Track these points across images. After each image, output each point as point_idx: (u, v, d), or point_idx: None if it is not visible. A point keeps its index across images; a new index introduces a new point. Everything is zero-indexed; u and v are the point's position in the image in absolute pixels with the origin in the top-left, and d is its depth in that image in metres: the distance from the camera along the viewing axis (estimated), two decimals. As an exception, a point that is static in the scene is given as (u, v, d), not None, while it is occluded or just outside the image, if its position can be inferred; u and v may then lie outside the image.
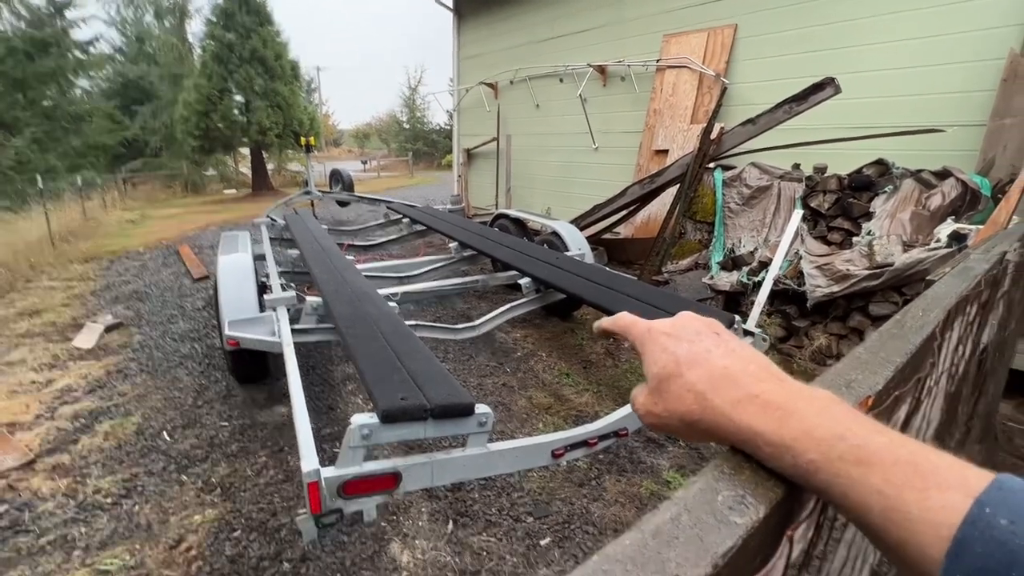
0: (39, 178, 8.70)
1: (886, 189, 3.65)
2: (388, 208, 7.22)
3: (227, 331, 2.84)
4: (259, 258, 4.25)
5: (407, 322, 3.20)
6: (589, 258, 4.39)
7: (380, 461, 1.81)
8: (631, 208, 5.66)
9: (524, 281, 3.68)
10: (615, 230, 6.18)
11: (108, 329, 4.55)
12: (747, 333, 2.73)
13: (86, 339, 4.33)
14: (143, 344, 4.25)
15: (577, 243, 4.49)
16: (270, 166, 26.09)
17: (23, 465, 2.73)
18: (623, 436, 2.06)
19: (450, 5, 9.26)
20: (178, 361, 3.91)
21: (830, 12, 4.78)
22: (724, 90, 5.52)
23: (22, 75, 14.40)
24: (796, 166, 4.29)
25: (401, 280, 4.48)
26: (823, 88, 3.97)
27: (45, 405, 3.32)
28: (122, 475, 2.62)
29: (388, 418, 1.72)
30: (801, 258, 3.76)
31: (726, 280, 4.14)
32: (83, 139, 15.83)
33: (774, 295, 3.86)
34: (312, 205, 10.27)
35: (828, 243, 3.88)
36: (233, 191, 21.43)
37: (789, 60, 5.07)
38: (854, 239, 3.58)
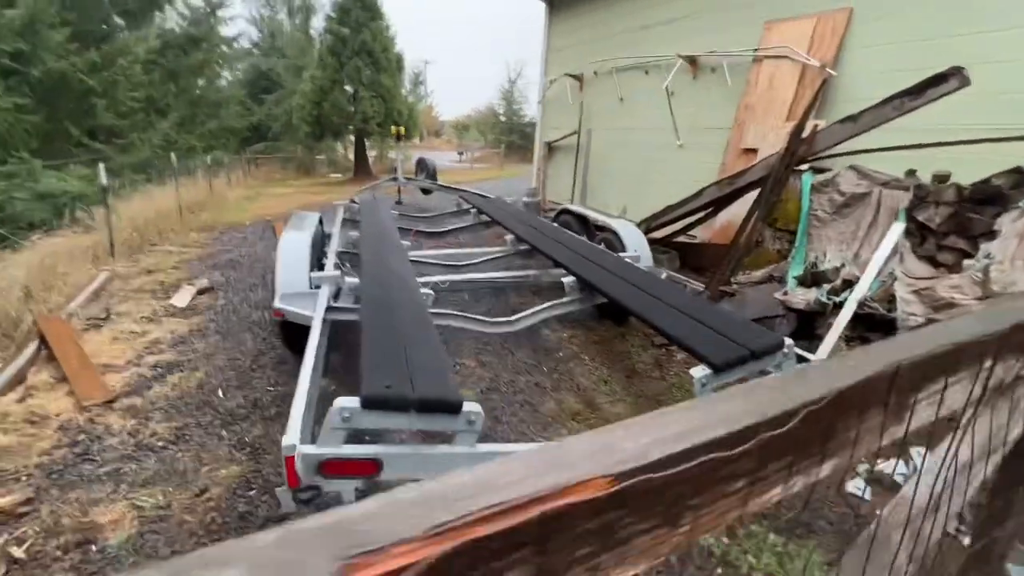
0: (173, 156, 9.96)
1: (1020, 204, 3.00)
2: (460, 198, 7.36)
3: (275, 303, 3.05)
4: (329, 237, 4.53)
5: (440, 311, 3.23)
6: (647, 261, 4.12)
7: (362, 446, 1.82)
8: (707, 211, 5.24)
9: (568, 280, 3.54)
10: (690, 233, 5.76)
11: (200, 292, 5.10)
12: (801, 359, 2.39)
13: (182, 299, 4.89)
14: (223, 308, 4.71)
15: (635, 244, 4.24)
16: (372, 153, 27.89)
17: (105, 403, 3.13)
18: None
19: (543, -4, 9.16)
20: (247, 326, 4.28)
21: (971, -9, 4.02)
22: (824, 83, 4.88)
23: (176, 67, 16.57)
24: (911, 172, 3.67)
25: (452, 269, 4.53)
26: (946, 80, 3.35)
27: (136, 353, 3.79)
28: (176, 423, 2.91)
29: (369, 404, 1.71)
30: (896, 279, 3.23)
31: (802, 298, 3.67)
32: (219, 123, 17.89)
33: (857, 319, 3.35)
34: (399, 192, 10.79)
35: (936, 264, 3.28)
36: (339, 175, 23.19)
37: (913, 48, 4.35)
38: (965, 262, 2.99)
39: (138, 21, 13.65)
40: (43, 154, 9.39)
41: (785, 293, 3.82)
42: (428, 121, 53.27)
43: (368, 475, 1.78)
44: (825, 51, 5.02)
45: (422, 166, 10.86)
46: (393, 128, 10.50)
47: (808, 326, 3.70)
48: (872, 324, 3.35)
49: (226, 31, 32.80)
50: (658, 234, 5.92)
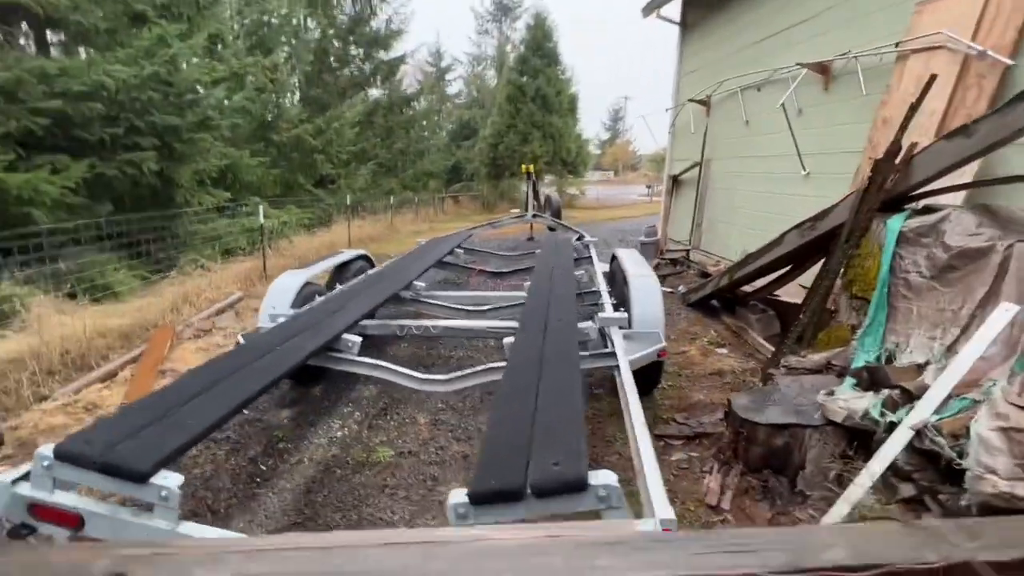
0: (348, 198, 12.04)
1: None
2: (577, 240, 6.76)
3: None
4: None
5: (367, 360, 3.09)
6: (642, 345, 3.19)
7: (71, 497, 1.80)
8: (788, 265, 3.94)
9: (507, 341, 3.03)
10: (777, 292, 4.42)
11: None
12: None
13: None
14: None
15: (646, 314, 3.33)
16: (552, 189, 29.14)
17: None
18: None
19: (676, 19, 8.36)
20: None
21: None
22: (1002, 77, 3.24)
23: (391, 124, 20.16)
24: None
25: (461, 313, 4.31)
26: None
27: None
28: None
29: (62, 456, 1.70)
30: (986, 402, 1.88)
31: (844, 406, 2.40)
32: (417, 168, 21.05)
33: (916, 453, 2.03)
34: (531, 228, 10.98)
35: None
36: (517, 210, 24.94)
37: None
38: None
39: (353, 93, 17.07)
40: (279, 199, 12.39)
41: (831, 393, 2.56)
42: (623, 155, 53.37)
43: (72, 527, 1.78)
44: (1000, 34, 3.35)
45: (548, 203, 10.87)
46: (523, 167, 10.79)
47: (851, 444, 2.41)
48: (930, 461, 1.99)
49: (449, 89, 38.68)
50: (751, 286, 4.70)
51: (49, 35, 8.41)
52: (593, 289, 4.20)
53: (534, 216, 10.48)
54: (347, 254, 4.94)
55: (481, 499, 1.52)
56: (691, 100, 7.64)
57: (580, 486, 1.49)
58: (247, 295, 6.79)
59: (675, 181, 8.52)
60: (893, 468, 2.13)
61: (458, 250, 6.14)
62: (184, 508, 2.62)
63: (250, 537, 1.67)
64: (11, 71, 5.85)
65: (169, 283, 6.49)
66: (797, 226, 3.75)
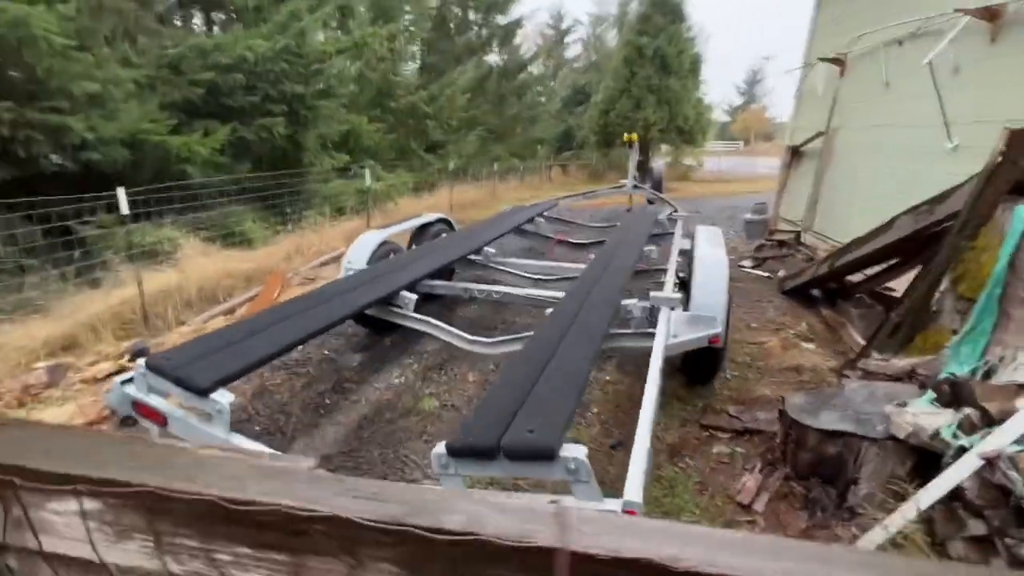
0: (451, 164, 12.50)
1: None
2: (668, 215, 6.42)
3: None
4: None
5: (420, 317, 3.32)
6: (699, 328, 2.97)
7: (161, 400, 2.22)
8: (902, 249, 3.38)
9: (548, 311, 3.02)
10: (888, 284, 3.83)
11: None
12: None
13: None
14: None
15: (705, 298, 3.10)
16: (666, 160, 27.43)
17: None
18: None
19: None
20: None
21: None
22: None
23: (503, 90, 20.30)
24: None
25: (526, 280, 4.39)
26: None
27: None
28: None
29: (151, 368, 2.11)
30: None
31: (911, 421, 2.06)
32: (527, 135, 21.07)
33: (991, 487, 1.71)
34: (630, 200, 10.58)
35: None
36: (625, 181, 23.92)
37: None
38: None
39: (468, 59, 17.33)
40: (393, 163, 13.29)
41: (903, 405, 2.22)
42: (757, 123, 48.17)
43: (159, 424, 2.21)
44: None
45: (649, 175, 10.30)
46: (625, 136, 10.26)
47: (931, 469, 2.09)
48: (1018, 511, 1.65)
49: (567, 52, 37.74)
50: (860, 275, 4.15)
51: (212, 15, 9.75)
52: (663, 267, 4.00)
53: (635, 187, 10.03)
54: (427, 217, 5.22)
55: (458, 452, 1.61)
56: (822, 59, 6.65)
57: (549, 455, 1.52)
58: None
59: (795, 153, 7.58)
60: (963, 501, 1.82)
61: (539, 219, 6.15)
62: (261, 426, 3.10)
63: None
64: (178, 48, 6.92)
65: (287, 235, 7.39)
66: (912, 209, 3.18)
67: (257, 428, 3.06)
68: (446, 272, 4.80)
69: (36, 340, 3.64)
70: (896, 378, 2.54)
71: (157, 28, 7.57)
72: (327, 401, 3.36)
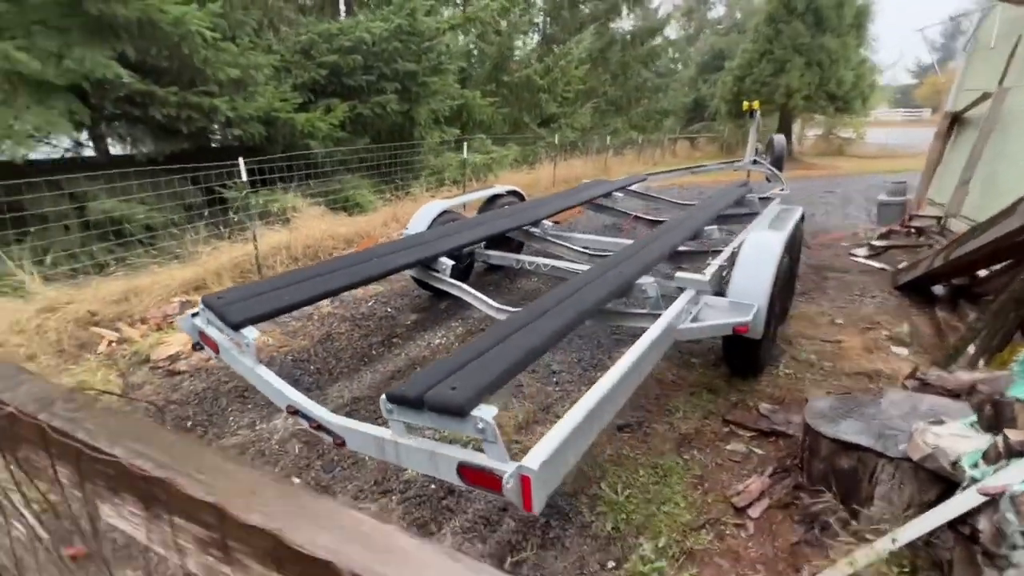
0: (556, 138, 12.39)
1: None
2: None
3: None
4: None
5: (455, 282, 3.52)
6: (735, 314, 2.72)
7: (217, 334, 2.71)
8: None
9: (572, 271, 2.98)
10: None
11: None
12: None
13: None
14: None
15: (743, 284, 2.84)
16: (817, 131, 23.98)
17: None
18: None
19: None
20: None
21: None
22: None
23: (626, 59, 19.36)
24: None
25: (579, 254, 4.35)
26: None
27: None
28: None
29: (207, 305, 2.60)
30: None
31: (932, 442, 1.72)
32: (648, 106, 19.94)
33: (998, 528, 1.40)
34: (747, 175, 9.62)
35: None
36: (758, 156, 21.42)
37: None
38: None
39: (591, 27, 16.70)
40: (505, 137, 13.63)
41: (937, 423, 1.85)
42: (949, 87, 39.28)
43: (215, 352, 2.71)
44: None
45: (770, 148, 9.13)
46: (745, 104, 9.16)
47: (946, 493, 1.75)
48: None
49: (711, 14, 34.67)
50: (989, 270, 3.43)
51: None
52: (719, 248, 3.67)
53: (754, 163, 9.03)
54: (497, 189, 5.36)
55: (395, 400, 1.77)
56: None
57: (460, 412, 1.60)
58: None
59: (955, 121, 6.19)
60: (981, 545, 1.51)
61: (617, 194, 5.93)
62: (315, 366, 3.57)
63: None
64: (307, 35, 7.84)
65: (392, 204, 8.08)
66: (1038, 190, 2.50)
67: (312, 368, 3.54)
68: (508, 243, 4.94)
69: (175, 281, 4.59)
70: (955, 393, 2.10)
71: (296, 17, 8.63)
72: (374, 352, 3.75)
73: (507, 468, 1.51)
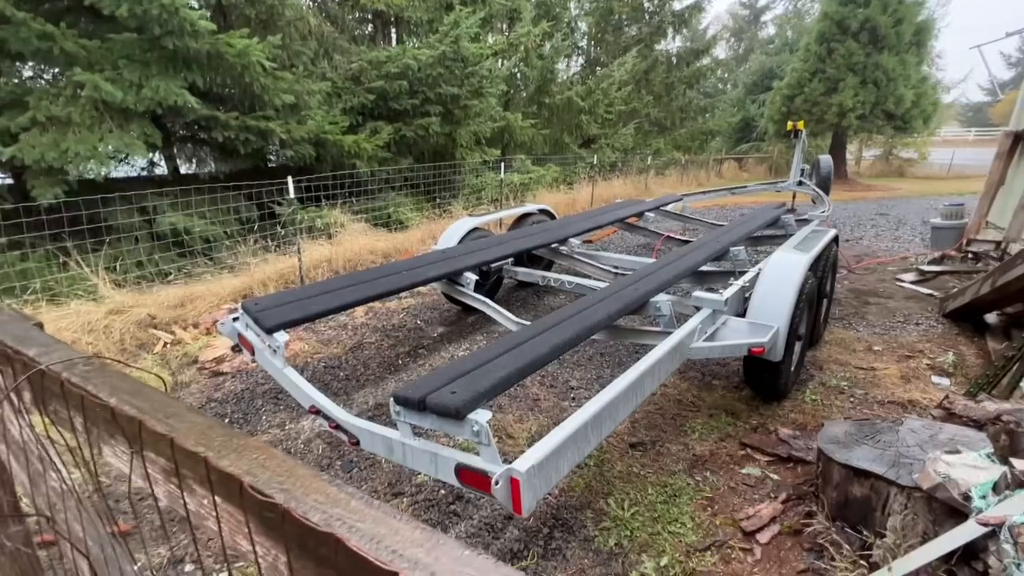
0: (596, 158, 12.47)
1: None
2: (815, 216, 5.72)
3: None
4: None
5: (475, 295, 3.65)
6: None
7: (256, 338, 2.94)
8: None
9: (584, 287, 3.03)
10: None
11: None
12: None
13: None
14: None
15: (764, 307, 2.82)
16: (874, 152, 22.96)
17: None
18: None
19: None
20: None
21: None
22: None
23: (668, 80, 19.32)
24: None
25: (601, 271, 4.40)
26: None
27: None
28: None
29: (246, 310, 2.84)
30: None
31: (944, 472, 1.65)
32: (691, 126, 19.73)
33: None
34: (793, 197, 9.36)
35: None
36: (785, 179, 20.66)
37: None
38: None
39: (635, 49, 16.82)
40: (546, 157, 13.89)
41: (953, 452, 1.78)
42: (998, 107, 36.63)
43: (251, 353, 2.92)
44: None
45: (816, 169, 8.84)
46: (789, 124, 8.94)
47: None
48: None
49: (762, 33, 34.19)
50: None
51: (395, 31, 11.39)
52: (744, 269, 3.63)
53: (799, 184, 8.78)
54: (528, 207, 5.49)
55: (401, 402, 1.89)
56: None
57: (456, 415, 1.69)
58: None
59: (1017, 141, 5.84)
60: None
61: (649, 214, 5.94)
62: (345, 373, 3.76)
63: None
64: (358, 63, 8.36)
65: (429, 221, 8.39)
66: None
67: (341, 375, 3.74)
68: (538, 260, 5.05)
69: (225, 289, 4.96)
70: (980, 423, 2.00)
71: (349, 46, 9.22)
72: (400, 362, 3.91)
73: (497, 470, 1.58)
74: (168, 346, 4.13)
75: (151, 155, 7.17)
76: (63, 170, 4.99)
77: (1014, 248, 5.26)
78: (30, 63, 5.74)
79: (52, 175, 4.97)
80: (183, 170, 7.65)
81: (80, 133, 5.06)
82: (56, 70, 5.81)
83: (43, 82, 5.99)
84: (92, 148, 5.11)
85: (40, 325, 0.87)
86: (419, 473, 2.57)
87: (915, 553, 1.46)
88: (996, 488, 1.48)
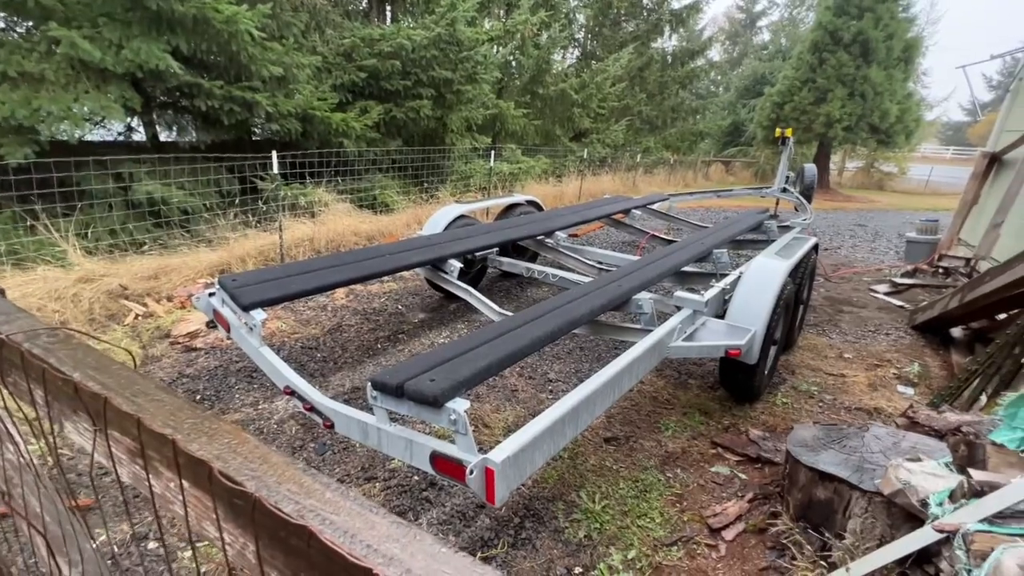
0: (586, 152, 12.43)
1: None
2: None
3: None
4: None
5: (460, 284, 3.63)
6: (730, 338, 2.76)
7: (232, 315, 2.87)
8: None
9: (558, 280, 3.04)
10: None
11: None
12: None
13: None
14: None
15: (743, 310, 2.87)
16: (856, 163, 23.43)
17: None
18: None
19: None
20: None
21: None
22: None
23: (665, 79, 19.36)
24: None
25: (583, 265, 4.41)
26: None
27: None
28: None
29: (221, 284, 2.77)
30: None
31: (904, 479, 1.71)
32: (681, 127, 19.85)
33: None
34: (776, 203, 9.50)
35: None
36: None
37: None
38: None
39: (632, 45, 16.79)
40: (536, 148, 13.81)
41: (914, 460, 1.84)
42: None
43: (226, 330, 2.86)
44: None
45: (800, 177, 8.99)
46: (777, 131, 9.06)
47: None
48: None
49: (757, 39, 34.46)
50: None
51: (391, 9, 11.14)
52: (725, 272, 3.68)
53: (783, 191, 8.93)
54: (517, 198, 5.46)
55: (379, 387, 1.87)
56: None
57: (434, 403, 1.68)
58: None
59: (992, 162, 6.02)
60: None
61: (636, 212, 5.97)
62: (322, 355, 3.71)
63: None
64: (350, 39, 8.16)
65: (414, 206, 8.29)
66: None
67: (319, 356, 3.69)
68: (523, 251, 5.03)
69: (202, 263, 4.84)
70: (941, 433, 2.07)
71: (342, 22, 8.99)
72: (379, 346, 3.88)
73: (473, 459, 1.58)
74: (140, 318, 4.02)
75: (129, 120, 6.90)
76: (34, 129, 4.77)
77: (983, 265, 5.44)
78: (1, 14, 5.45)
79: (22, 134, 4.75)
80: (163, 137, 7.39)
81: (54, 92, 4.85)
82: (30, 24, 5.53)
83: (15, 36, 5.70)
84: (66, 108, 4.90)
85: (1, 291, 0.83)
86: (393, 459, 2.56)
87: (872, 555, 1.51)
88: (952, 496, 1.54)
